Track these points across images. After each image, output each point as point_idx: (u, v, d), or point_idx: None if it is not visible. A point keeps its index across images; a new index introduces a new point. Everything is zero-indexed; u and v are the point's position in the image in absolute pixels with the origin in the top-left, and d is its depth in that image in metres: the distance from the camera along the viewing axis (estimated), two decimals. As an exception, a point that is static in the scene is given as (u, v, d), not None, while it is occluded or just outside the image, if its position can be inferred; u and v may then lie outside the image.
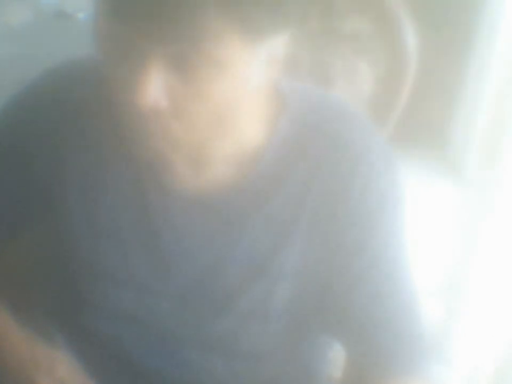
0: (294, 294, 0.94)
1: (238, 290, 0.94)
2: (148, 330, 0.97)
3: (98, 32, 0.82)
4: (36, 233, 1.04)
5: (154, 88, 0.79)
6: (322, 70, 1.21)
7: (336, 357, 1.08)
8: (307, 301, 0.95)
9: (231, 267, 0.93)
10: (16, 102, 1.00)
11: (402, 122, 1.22)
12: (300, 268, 0.93)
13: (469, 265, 1.86)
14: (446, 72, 2.31)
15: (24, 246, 1.07)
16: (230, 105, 0.83)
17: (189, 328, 0.96)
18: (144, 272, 0.95)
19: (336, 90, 1.21)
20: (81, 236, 0.96)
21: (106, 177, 0.95)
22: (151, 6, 0.76)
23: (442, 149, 2.46)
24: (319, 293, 0.94)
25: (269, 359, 0.99)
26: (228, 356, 0.97)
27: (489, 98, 2.18)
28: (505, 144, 1.79)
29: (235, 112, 0.85)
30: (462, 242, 1.90)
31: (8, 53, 1.76)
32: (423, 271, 1.00)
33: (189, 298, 0.95)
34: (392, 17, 1.17)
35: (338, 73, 1.21)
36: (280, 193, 0.91)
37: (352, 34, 1.19)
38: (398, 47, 1.18)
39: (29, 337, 0.95)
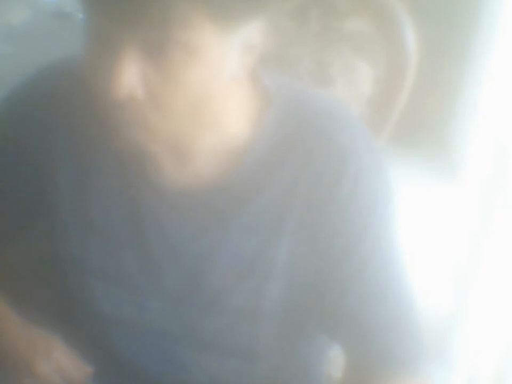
0: (285, 293, 0.93)
1: (227, 288, 0.93)
2: (139, 328, 0.97)
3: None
4: (31, 231, 1.04)
5: (129, 76, 0.78)
6: (322, 70, 1.21)
7: (336, 357, 1.08)
8: (300, 301, 0.95)
9: (219, 264, 0.93)
10: (6, 102, 1.00)
11: (402, 122, 1.22)
12: (290, 266, 0.92)
13: (469, 265, 1.86)
14: (446, 72, 2.31)
15: (19, 245, 1.07)
16: (206, 94, 0.82)
17: (181, 326, 0.96)
18: (133, 269, 0.95)
19: (336, 90, 1.21)
20: (71, 233, 0.96)
21: (94, 174, 0.95)
22: None
23: (442, 149, 2.45)
24: (312, 293, 0.94)
25: (265, 358, 0.99)
26: (222, 355, 0.97)
27: (489, 98, 2.18)
28: (505, 144, 1.79)
29: (213, 103, 0.84)
30: (462, 242, 1.90)
31: (8, 53, 1.76)
32: (423, 271, 1.00)
33: (178, 296, 0.95)
34: (392, 17, 1.17)
35: (338, 73, 1.21)
36: (267, 189, 0.91)
37: (352, 34, 1.19)
38: (398, 47, 1.18)
39: (25, 322, 0.95)
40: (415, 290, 0.96)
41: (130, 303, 0.96)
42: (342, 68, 1.21)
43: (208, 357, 0.97)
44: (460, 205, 2.03)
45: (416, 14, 1.18)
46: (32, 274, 1.09)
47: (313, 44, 1.20)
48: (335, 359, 1.09)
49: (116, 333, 0.98)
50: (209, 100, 0.83)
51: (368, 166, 0.91)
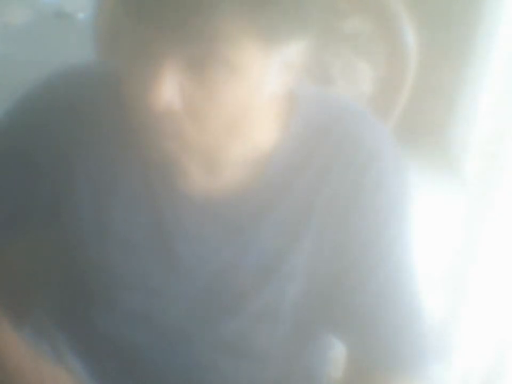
0: (302, 294, 0.94)
1: (248, 292, 0.94)
2: (158, 330, 0.97)
3: (115, 34, 0.82)
4: (46, 235, 1.04)
5: (169, 89, 0.78)
6: (322, 70, 1.21)
7: (336, 357, 1.08)
8: (313, 301, 0.95)
9: (242, 269, 0.93)
10: (26, 105, 0.99)
11: (402, 122, 1.22)
12: (309, 268, 0.93)
13: (468, 265, 1.86)
14: (446, 72, 2.31)
15: (33, 247, 1.07)
16: (244, 109, 0.83)
17: (199, 330, 0.97)
18: (155, 275, 0.95)
19: (336, 90, 1.21)
20: (91, 239, 0.96)
21: (118, 181, 0.94)
22: (168, 8, 0.75)
23: (442, 149, 2.46)
24: (326, 293, 0.95)
25: (275, 359, 0.99)
26: (238, 357, 0.98)
27: (489, 98, 2.18)
28: (505, 144, 1.79)
29: (249, 117, 0.85)
30: (462, 242, 1.90)
31: (8, 53, 1.76)
32: (423, 270, 1.00)
33: (199, 299, 0.95)
34: (392, 17, 1.17)
35: (338, 73, 1.21)
36: (291, 195, 0.91)
37: (352, 34, 1.19)
38: (398, 47, 1.18)
39: (34, 353, 0.94)
40: (423, 293, 0.96)
41: (151, 306, 0.96)
42: (342, 67, 1.21)
43: (225, 358, 0.98)
44: (459, 205, 2.03)
45: (416, 14, 1.18)
46: (44, 280, 1.08)
47: (314, 44, 1.20)
48: (335, 359, 1.09)
49: (134, 336, 0.98)
50: (245, 114, 0.83)
51: (390, 167, 0.92)
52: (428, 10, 2.11)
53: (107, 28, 1.17)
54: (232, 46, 0.77)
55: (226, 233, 0.93)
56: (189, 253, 0.94)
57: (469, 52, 2.32)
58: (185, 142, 0.83)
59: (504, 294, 1.71)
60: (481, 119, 2.26)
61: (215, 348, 0.97)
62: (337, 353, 1.06)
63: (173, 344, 0.97)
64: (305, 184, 0.91)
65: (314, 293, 0.95)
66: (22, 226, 1.02)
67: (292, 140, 0.92)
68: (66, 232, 0.98)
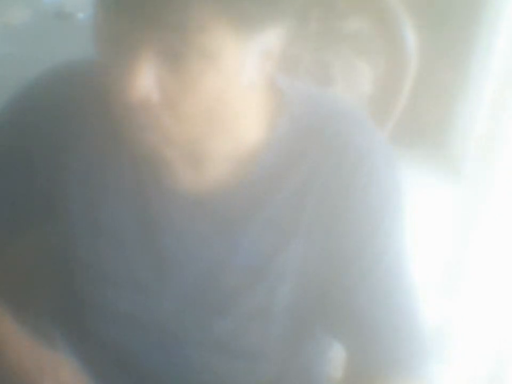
0: (295, 294, 0.94)
1: (239, 290, 0.93)
2: (148, 330, 0.97)
3: (94, 27, 0.82)
4: (37, 233, 1.04)
5: (146, 80, 0.78)
6: (322, 70, 1.21)
7: (336, 357, 1.08)
8: (308, 301, 0.95)
9: (232, 267, 0.93)
10: (16, 103, 0.99)
11: (402, 122, 1.22)
12: (301, 268, 0.93)
13: (468, 264, 1.86)
14: (446, 72, 2.31)
15: (25, 246, 1.07)
16: (223, 100, 0.82)
17: (191, 328, 0.96)
18: (144, 272, 0.95)
19: (336, 90, 1.21)
20: (81, 236, 0.96)
21: (106, 177, 0.95)
22: None
23: (442, 149, 2.45)
24: (320, 293, 0.94)
25: (271, 359, 0.99)
26: (230, 356, 0.97)
27: (489, 98, 2.18)
28: (504, 144, 1.79)
29: (229, 108, 0.84)
30: (461, 242, 1.90)
31: (8, 53, 1.76)
32: (423, 271, 1.01)
33: (190, 298, 0.95)
34: (392, 17, 1.17)
35: (338, 73, 1.21)
36: (281, 193, 0.91)
37: (352, 34, 1.19)
38: (398, 47, 1.18)
39: (32, 342, 0.95)
40: (419, 290, 0.96)
41: (141, 305, 0.96)
42: (342, 67, 1.21)
43: (218, 358, 0.97)
44: (458, 205, 2.03)
45: (417, 14, 1.18)
46: (37, 278, 1.08)
47: (313, 44, 1.20)
48: (335, 359, 1.09)
49: (124, 334, 0.98)
50: (225, 105, 0.83)
51: (381, 167, 0.92)
52: (427, 10, 2.11)
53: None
54: (206, 34, 0.76)
55: (215, 230, 0.93)
56: (178, 249, 0.94)
57: (469, 52, 2.31)
58: (166, 135, 0.83)
59: (504, 293, 1.71)
60: (481, 119, 2.25)
61: (208, 347, 0.97)
62: (337, 353, 1.06)
63: (165, 344, 0.97)
64: (296, 183, 0.91)
65: (308, 294, 0.94)
66: (21, 226, 1.02)
67: (281, 138, 0.91)
68: (60, 229, 0.98)
